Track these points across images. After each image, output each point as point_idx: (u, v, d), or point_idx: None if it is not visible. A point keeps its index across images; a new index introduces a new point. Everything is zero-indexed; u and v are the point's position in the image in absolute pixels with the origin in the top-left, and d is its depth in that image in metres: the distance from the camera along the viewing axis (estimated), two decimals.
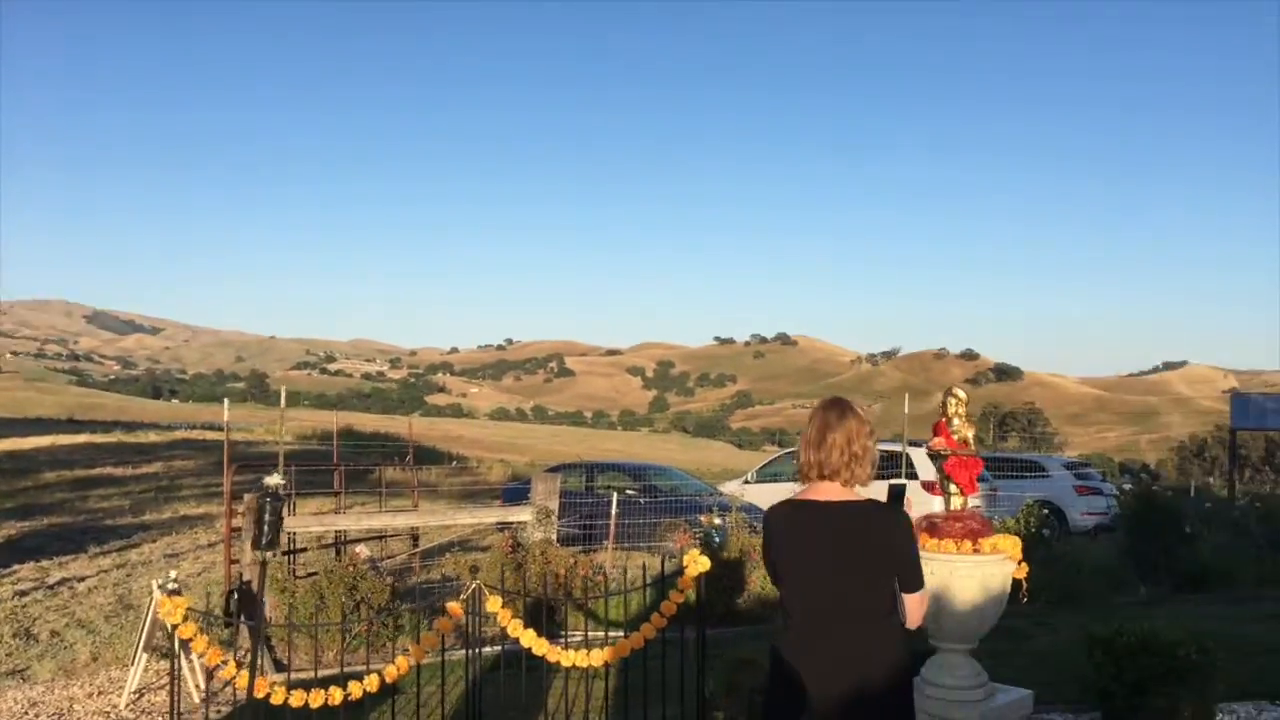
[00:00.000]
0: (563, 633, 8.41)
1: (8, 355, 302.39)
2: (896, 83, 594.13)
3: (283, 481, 3.96)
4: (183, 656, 6.90)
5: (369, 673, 5.03)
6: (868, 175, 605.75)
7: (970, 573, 5.10)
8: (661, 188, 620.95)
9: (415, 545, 12.98)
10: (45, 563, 14.41)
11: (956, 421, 5.41)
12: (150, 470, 27.48)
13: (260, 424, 51.47)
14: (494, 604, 4.91)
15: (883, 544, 3.18)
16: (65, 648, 9.38)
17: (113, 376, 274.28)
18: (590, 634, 7.87)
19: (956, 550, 5.14)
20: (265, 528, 3.91)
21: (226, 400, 12.43)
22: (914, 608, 3.24)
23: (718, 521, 11.75)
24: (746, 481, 18.85)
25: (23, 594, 12.02)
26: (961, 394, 5.50)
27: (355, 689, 4.86)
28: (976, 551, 5.14)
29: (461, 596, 4.81)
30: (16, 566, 13.96)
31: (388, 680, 4.89)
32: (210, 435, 38.83)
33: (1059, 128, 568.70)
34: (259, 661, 7.89)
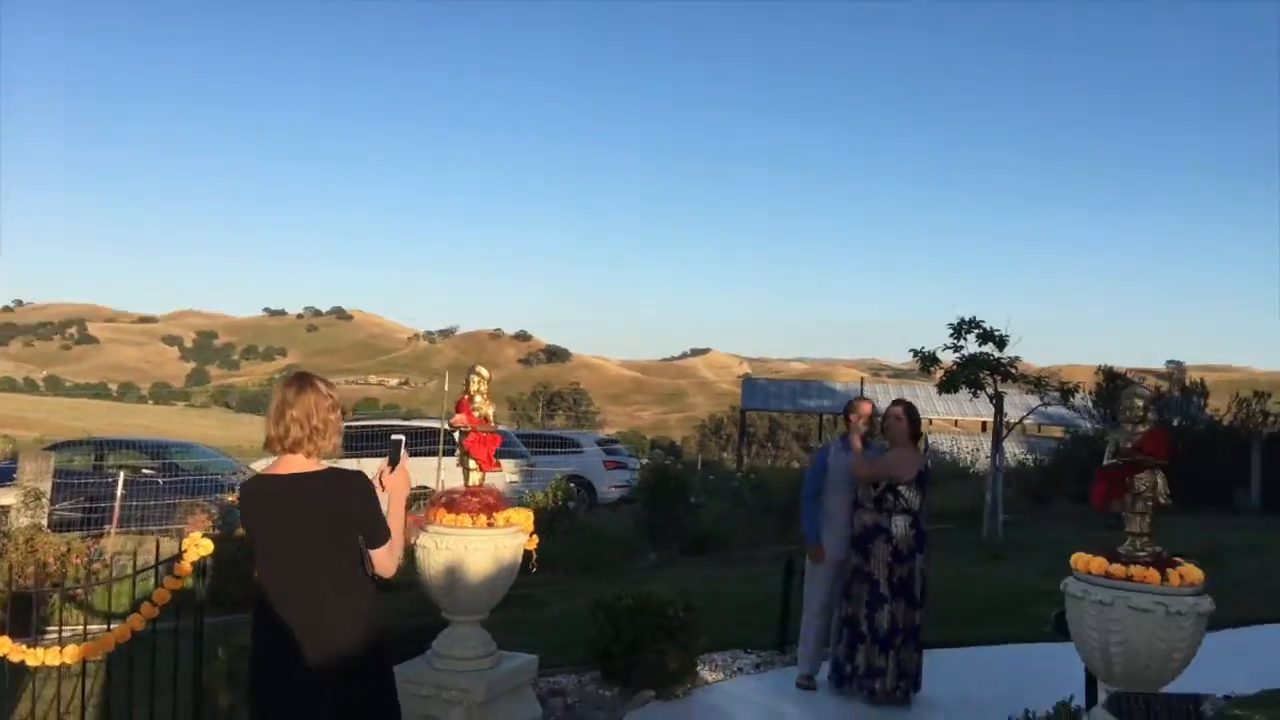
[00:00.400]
0: (49, 629, 7.51)
1: None
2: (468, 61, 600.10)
3: None
4: None
5: None
6: (431, 155, 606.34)
7: (483, 545, 5.22)
8: (209, 146, 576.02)
9: None
10: None
11: (478, 399, 5.51)
12: None
13: None
14: None
15: (342, 509, 3.37)
16: None
17: None
18: (86, 628, 7.09)
19: (472, 524, 5.24)
20: None
21: None
22: (381, 560, 3.44)
23: None
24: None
25: None
26: (484, 372, 5.62)
27: None
28: (491, 525, 5.28)
29: None
30: None
31: None
32: None
33: (606, 124, 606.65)
34: None
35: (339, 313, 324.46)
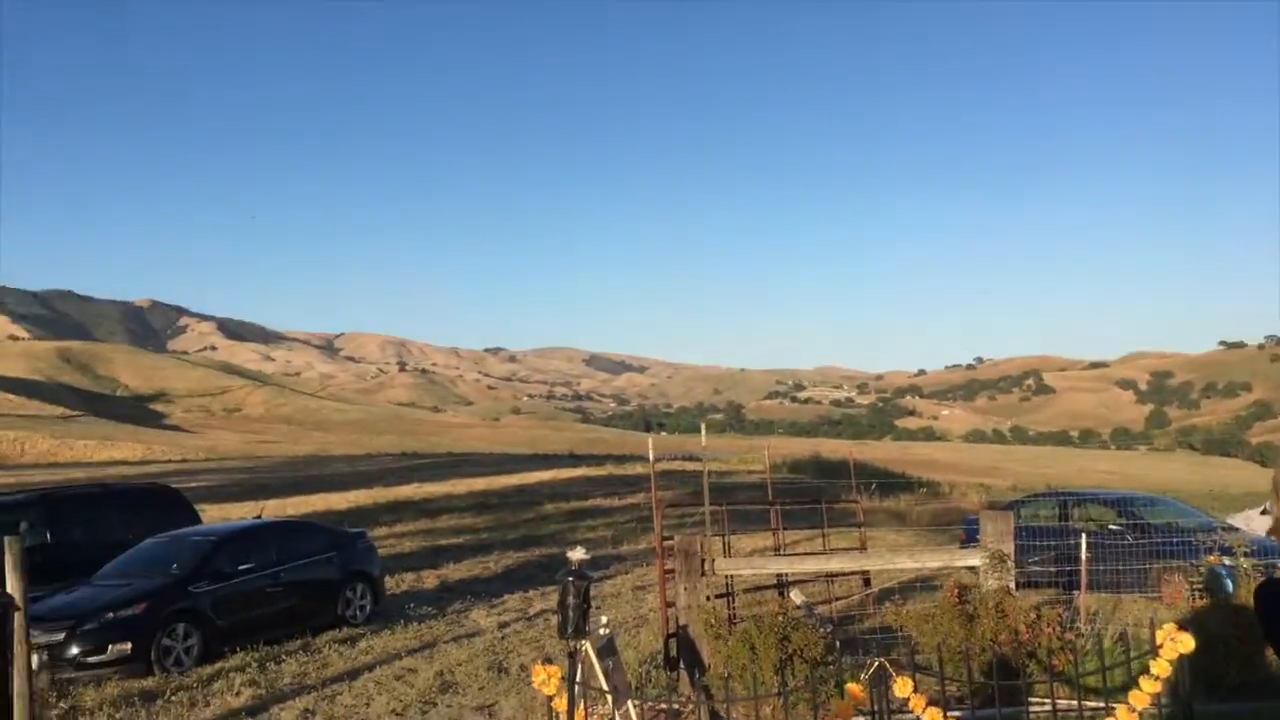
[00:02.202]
0: (1030, 701, 7.24)
1: (525, 398, 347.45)
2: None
3: (586, 556, 3.49)
4: (629, 704, 6.77)
5: None
6: None
7: None
8: (1160, 187, 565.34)
9: (867, 586, 12.22)
10: (531, 593, 15.59)
11: None
12: (633, 501, 29.13)
13: (735, 454, 53.36)
14: (903, 687, 4.09)
15: None
16: (530, 683, 9.81)
17: (609, 413, 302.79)
18: (1064, 705, 6.66)
19: None
20: (570, 613, 3.45)
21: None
22: None
23: (1226, 561, 9.75)
24: (1265, 511, 15.80)
25: (504, 625, 12.98)
26: None
27: None
28: None
29: (863, 676, 4.06)
30: (506, 596, 15.23)
31: None
32: (690, 466, 40.66)
33: None
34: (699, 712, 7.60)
35: None
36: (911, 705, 4.12)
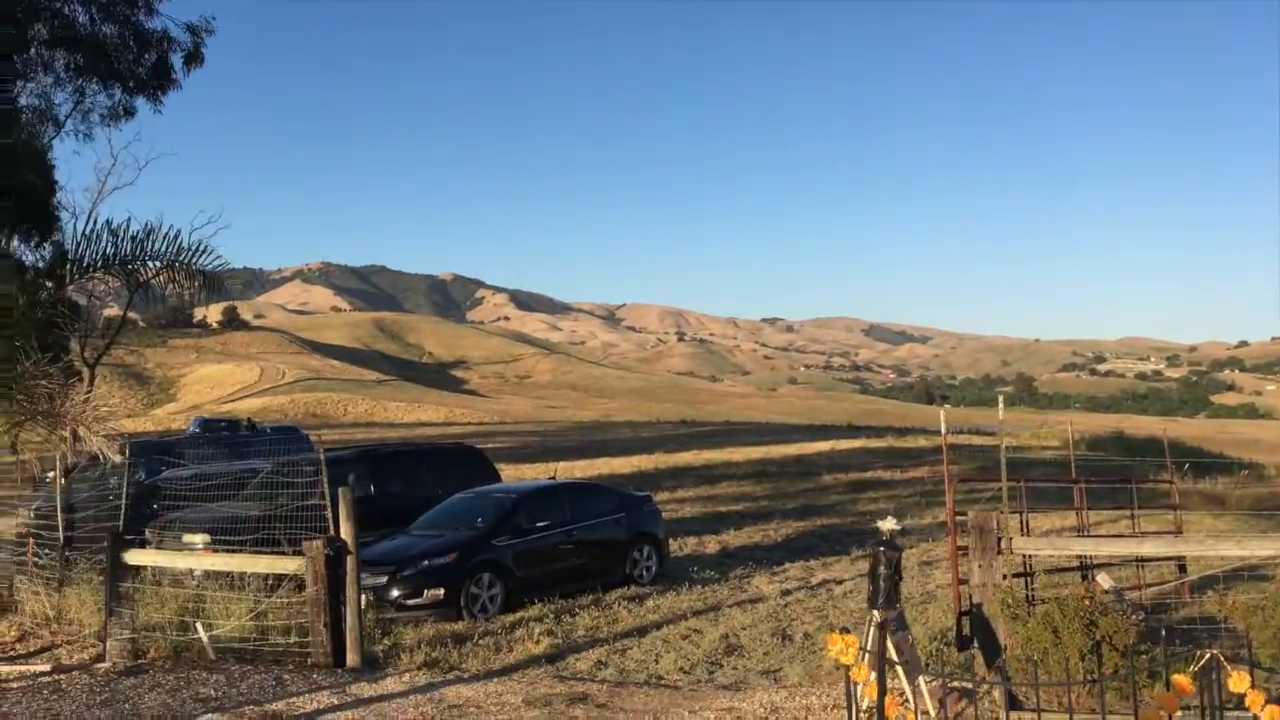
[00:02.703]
0: None
1: (802, 368, 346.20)
2: None
3: (897, 527, 3.36)
4: (920, 680, 6.63)
5: None
6: None
7: None
8: None
9: (1182, 573, 11.27)
10: (812, 563, 15.56)
11: None
12: (916, 475, 28.28)
13: (1027, 428, 50.69)
14: (1239, 682, 3.71)
15: None
16: (814, 652, 9.80)
17: (889, 384, 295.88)
18: None
19: None
20: (881, 583, 3.34)
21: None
22: None
23: None
24: None
25: (787, 593, 13.02)
26: None
27: None
28: None
29: (1193, 667, 3.72)
30: (787, 565, 15.27)
31: None
32: (976, 440, 39.02)
33: None
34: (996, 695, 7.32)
35: None
36: (1249, 702, 3.73)
